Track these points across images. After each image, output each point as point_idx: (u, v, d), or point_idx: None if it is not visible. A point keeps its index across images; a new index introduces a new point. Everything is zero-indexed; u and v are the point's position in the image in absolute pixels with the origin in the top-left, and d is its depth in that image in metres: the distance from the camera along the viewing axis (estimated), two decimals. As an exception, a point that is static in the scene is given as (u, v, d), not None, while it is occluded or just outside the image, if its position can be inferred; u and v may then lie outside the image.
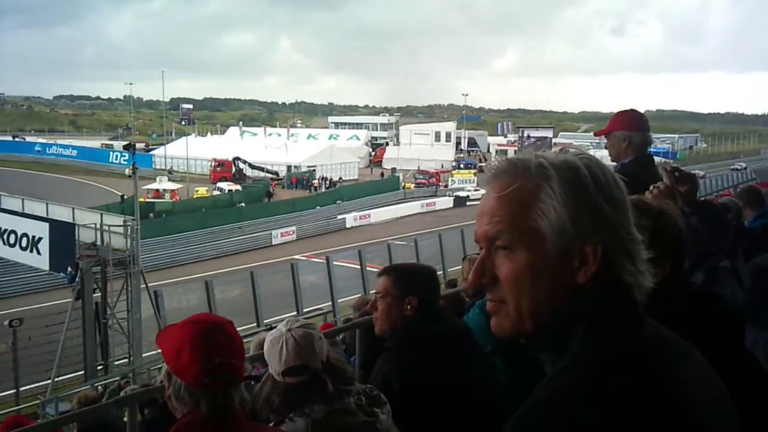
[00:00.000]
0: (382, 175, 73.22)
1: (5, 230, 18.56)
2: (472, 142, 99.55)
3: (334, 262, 24.33)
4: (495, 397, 2.60)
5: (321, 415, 2.11)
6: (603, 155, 2.02)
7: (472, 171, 71.00)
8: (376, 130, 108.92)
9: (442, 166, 74.57)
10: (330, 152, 74.73)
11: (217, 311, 18.98)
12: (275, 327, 2.32)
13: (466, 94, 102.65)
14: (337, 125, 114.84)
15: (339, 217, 48.30)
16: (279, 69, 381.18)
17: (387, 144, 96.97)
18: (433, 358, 2.62)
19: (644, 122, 3.75)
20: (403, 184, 64.64)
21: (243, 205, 49.36)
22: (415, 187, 64.76)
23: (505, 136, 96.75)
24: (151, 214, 42.43)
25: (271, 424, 2.10)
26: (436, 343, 2.67)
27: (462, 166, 76.88)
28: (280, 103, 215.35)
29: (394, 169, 74.51)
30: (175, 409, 1.85)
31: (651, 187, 2.60)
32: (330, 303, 22.47)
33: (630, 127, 3.65)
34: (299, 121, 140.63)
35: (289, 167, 69.10)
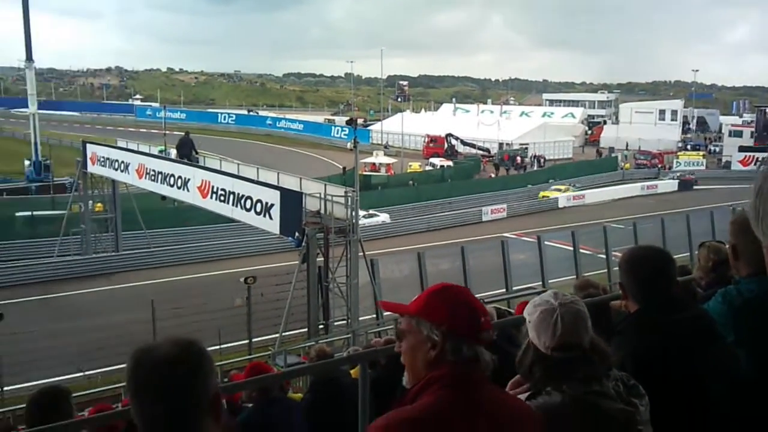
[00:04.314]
0: (600, 154, 69.95)
1: (242, 195, 20.24)
2: (701, 122, 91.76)
3: (546, 242, 23.83)
4: (735, 389, 2.40)
5: (579, 393, 2.05)
6: None
7: (701, 152, 65.54)
8: (593, 107, 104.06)
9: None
10: (543, 130, 73.11)
11: (427, 283, 19.49)
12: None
13: (696, 70, 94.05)
14: (551, 102, 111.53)
15: (552, 196, 47.18)
16: (491, 46, 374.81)
17: (605, 122, 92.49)
18: (671, 345, 2.46)
19: None
20: (621, 164, 61.47)
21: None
22: (635, 168, 61.39)
23: (741, 116, 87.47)
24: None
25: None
26: (675, 330, 2.51)
27: (689, 147, 71.36)
28: (492, 80, 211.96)
29: (611, 149, 71.04)
30: (412, 367, 1.87)
31: None
32: (540, 283, 22.06)
33: None
34: (512, 98, 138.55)
35: (500, 144, 68.66)
